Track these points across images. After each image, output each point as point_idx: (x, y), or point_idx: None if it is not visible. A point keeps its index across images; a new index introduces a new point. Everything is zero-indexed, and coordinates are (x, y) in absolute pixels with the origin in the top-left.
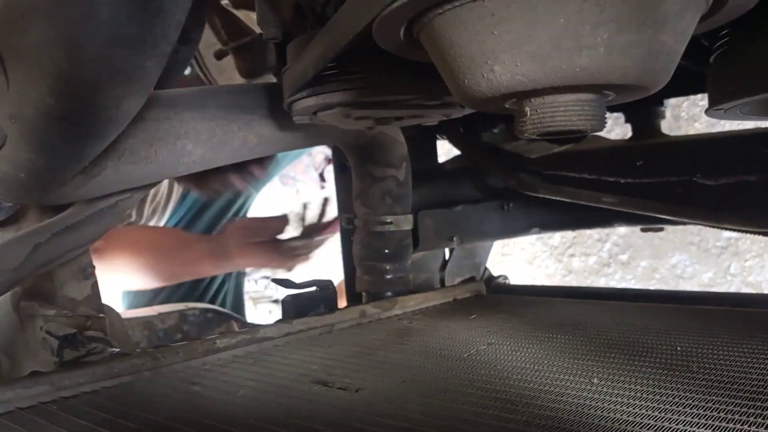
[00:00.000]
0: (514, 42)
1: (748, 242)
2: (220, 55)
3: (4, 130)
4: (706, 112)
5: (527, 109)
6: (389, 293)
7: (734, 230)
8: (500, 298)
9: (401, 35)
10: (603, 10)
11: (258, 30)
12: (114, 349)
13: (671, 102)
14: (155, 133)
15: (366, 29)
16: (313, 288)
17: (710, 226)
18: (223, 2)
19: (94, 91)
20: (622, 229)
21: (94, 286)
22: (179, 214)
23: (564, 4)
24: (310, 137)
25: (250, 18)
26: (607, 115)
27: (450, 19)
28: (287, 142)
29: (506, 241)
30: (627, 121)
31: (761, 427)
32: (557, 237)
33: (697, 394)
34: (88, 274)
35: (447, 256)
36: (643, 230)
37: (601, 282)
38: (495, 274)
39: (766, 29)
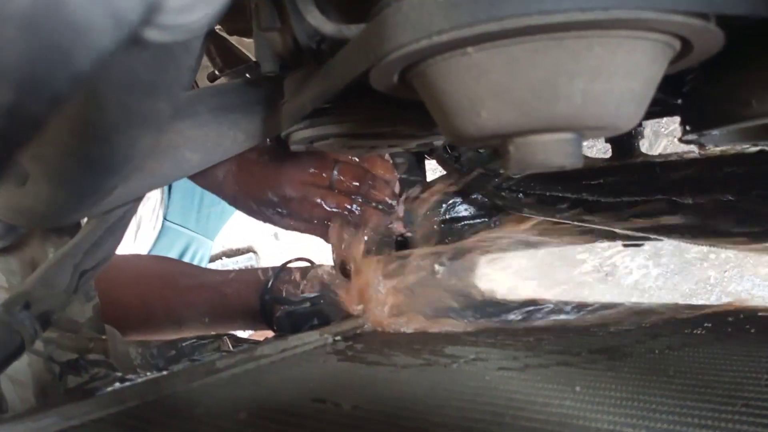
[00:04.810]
0: (497, 91)
1: (727, 253)
2: (212, 78)
3: (26, 168)
4: (680, 139)
5: (511, 147)
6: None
7: (711, 246)
8: None
9: (395, 80)
10: (578, 62)
11: (252, 56)
12: (117, 374)
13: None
14: (156, 147)
15: (362, 75)
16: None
17: (688, 243)
18: (216, 28)
19: (111, 132)
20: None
21: (96, 307)
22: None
23: (543, 56)
24: None
25: (243, 43)
26: None
27: (440, 69)
28: (271, 133)
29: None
30: (607, 141)
31: None
32: (542, 251)
33: (672, 399)
34: (90, 296)
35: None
36: (624, 246)
37: (585, 293)
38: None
39: (730, 69)
